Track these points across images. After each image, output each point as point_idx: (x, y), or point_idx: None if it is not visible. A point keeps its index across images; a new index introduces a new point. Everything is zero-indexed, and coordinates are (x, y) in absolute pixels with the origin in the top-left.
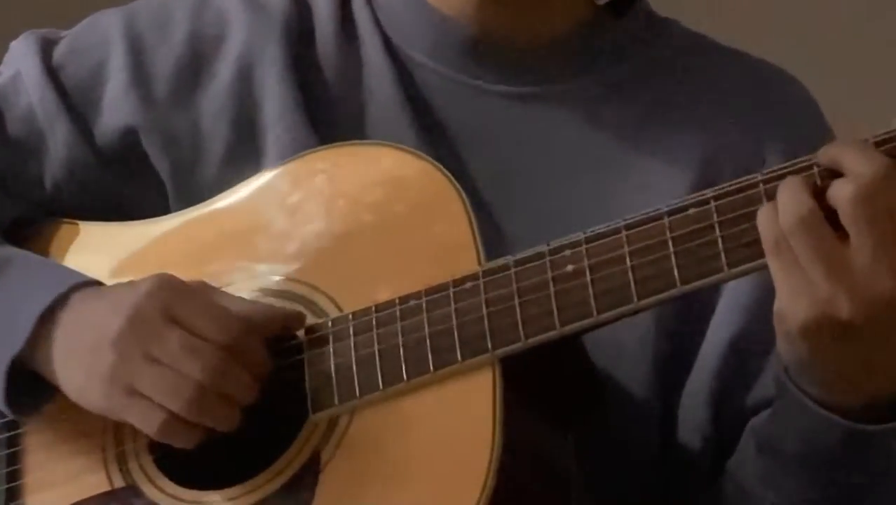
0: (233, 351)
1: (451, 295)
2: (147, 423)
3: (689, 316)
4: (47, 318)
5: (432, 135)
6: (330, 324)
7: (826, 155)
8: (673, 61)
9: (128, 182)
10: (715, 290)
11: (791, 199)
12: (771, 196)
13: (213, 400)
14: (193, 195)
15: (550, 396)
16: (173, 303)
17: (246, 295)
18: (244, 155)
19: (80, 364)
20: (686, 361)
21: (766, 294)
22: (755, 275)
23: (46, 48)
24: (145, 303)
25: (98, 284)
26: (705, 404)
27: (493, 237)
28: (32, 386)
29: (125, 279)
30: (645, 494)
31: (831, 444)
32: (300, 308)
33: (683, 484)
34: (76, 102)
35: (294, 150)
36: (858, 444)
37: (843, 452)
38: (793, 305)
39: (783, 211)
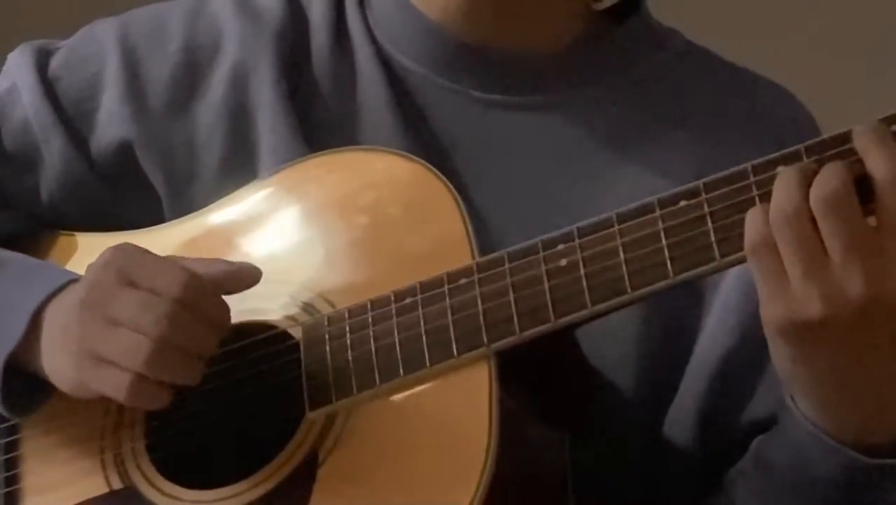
0: (187, 302)
1: (446, 291)
2: (116, 389)
3: (679, 327)
4: (38, 316)
5: (424, 142)
6: (326, 322)
7: (859, 142)
8: (670, 73)
9: (123, 194)
10: (704, 300)
11: (784, 192)
12: (761, 186)
13: (172, 353)
14: (189, 207)
15: (546, 390)
16: (128, 265)
17: (243, 299)
18: (238, 166)
19: (56, 346)
20: (675, 374)
21: (757, 307)
22: (747, 288)
23: (42, 60)
24: (101, 272)
25: None
26: (693, 424)
27: (484, 244)
28: (29, 385)
29: None
30: (636, 496)
31: (825, 467)
32: (297, 310)
33: (674, 493)
34: (71, 115)
35: (287, 160)
36: (852, 470)
37: (837, 478)
38: (769, 307)
39: (774, 204)
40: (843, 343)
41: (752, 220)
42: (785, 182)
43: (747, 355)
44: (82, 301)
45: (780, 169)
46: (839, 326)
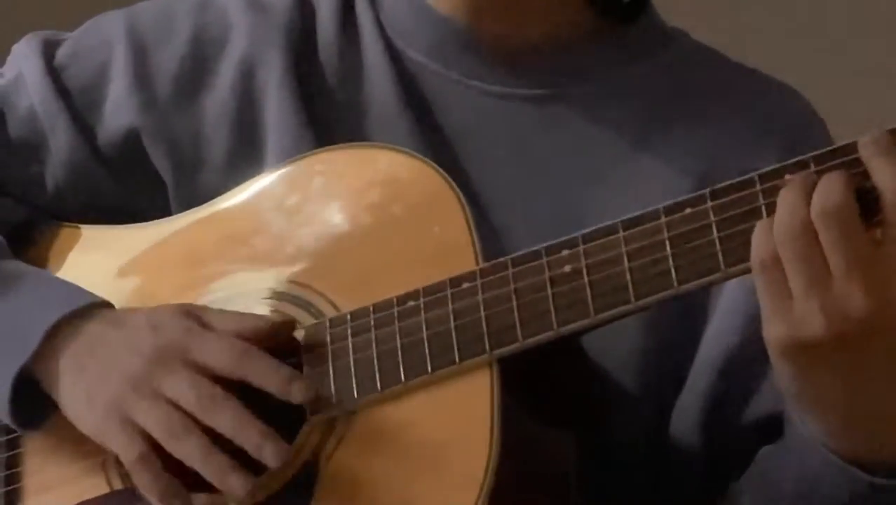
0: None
1: (449, 296)
2: (125, 451)
3: (683, 327)
4: (56, 333)
5: (432, 136)
6: (328, 325)
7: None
8: (678, 73)
9: (129, 184)
10: (708, 300)
11: (788, 206)
12: (767, 195)
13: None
14: (194, 198)
15: (549, 397)
16: (192, 347)
17: (244, 298)
18: (245, 158)
19: (85, 386)
20: (679, 373)
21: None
22: (751, 288)
23: (49, 50)
24: (167, 348)
25: (110, 305)
26: (697, 422)
27: (490, 239)
28: (36, 399)
29: (125, 282)
30: (641, 497)
31: (830, 484)
32: (298, 310)
33: (678, 493)
34: (78, 104)
35: (294, 154)
36: (856, 488)
37: (841, 494)
38: (771, 324)
39: (778, 218)
40: (845, 361)
41: (758, 236)
42: (789, 195)
43: (751, 353)
44: (141, 371)
45: (786, 178)
46: (841, 344)
